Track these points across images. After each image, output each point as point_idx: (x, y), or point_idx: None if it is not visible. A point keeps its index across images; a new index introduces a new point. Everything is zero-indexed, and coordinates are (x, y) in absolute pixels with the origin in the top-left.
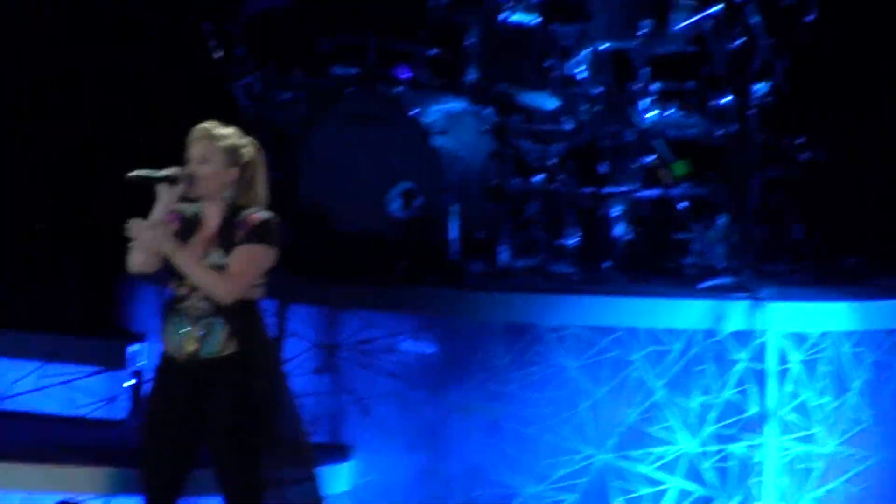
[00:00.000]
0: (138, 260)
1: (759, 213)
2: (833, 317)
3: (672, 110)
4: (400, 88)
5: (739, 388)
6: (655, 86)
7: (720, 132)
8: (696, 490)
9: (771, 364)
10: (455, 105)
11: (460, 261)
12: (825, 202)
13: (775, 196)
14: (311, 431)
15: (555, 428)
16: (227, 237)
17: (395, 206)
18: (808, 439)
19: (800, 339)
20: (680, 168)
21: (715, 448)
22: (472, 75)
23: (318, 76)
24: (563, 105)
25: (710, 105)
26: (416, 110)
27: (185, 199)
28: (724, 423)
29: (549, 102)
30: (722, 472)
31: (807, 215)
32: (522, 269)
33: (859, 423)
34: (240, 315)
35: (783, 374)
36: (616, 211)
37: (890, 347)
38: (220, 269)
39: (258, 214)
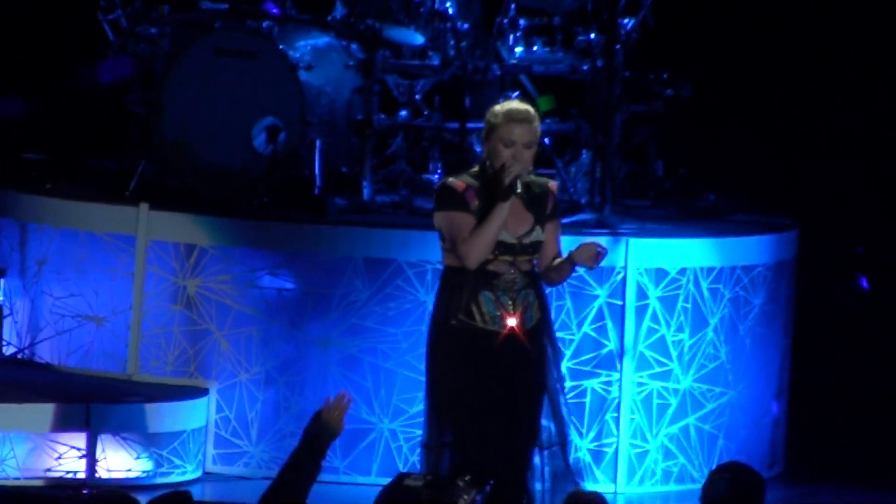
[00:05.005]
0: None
1: (622, 150)
2: (692, 253)
3: (538, 46)
4: (268, 23)
5: (597, 324)
6: (522, 21)
7: (585, 67)
8: (551, 425)
9: (629, 300)
10: (322, 40)
11: (323, 196)
12: (687, 138)
13: (638, 132)
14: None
15: (411, 363)
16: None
17: (259, 141)
18: (664, 375)
19: (659, 274)
20: (544, 103)
21: (571, 384)
22: (339, 10)
23: (184, 10)
24: (430, 40)
25: (576, 41)
26: (283, 45)
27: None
28: (580, 359)
29: (416, 38)
30: (577, 408)
31: (668, 152)
32: (385, 204)
33: (715, 360)
34: (539, 284)
35: (641, 309)
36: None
37: (747, 284)
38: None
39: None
